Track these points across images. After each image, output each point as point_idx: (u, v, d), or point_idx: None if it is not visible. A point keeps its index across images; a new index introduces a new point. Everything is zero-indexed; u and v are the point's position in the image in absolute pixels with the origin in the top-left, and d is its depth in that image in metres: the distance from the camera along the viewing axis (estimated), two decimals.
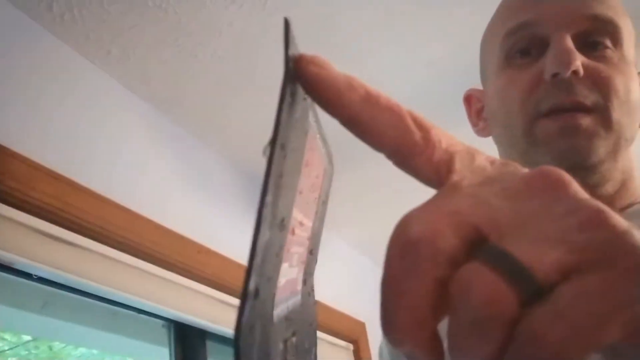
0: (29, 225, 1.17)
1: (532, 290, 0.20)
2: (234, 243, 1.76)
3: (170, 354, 1.60)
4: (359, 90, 0.25)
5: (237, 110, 1.75)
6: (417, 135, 0.25)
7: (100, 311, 1.42)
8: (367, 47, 1.60)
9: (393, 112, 0.25)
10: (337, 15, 1.48)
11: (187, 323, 1.63)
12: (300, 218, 0.27)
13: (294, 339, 0.27)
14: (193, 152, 1.81)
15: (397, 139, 0.25)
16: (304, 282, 0.31)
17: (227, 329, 1.72)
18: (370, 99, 0.25)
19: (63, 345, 1.50)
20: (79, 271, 1.27)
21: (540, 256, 0.20)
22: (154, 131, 1.65)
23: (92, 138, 1.41)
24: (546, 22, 0.66)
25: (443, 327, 0.21)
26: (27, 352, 1.45)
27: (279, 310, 0.24)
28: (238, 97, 1.69)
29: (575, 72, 0.62)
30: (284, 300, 0.25)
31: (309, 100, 0.26)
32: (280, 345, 0.24)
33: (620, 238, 0.20)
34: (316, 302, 0.35)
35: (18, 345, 1.42)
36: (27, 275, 1.22)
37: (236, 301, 1.71)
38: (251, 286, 0.19)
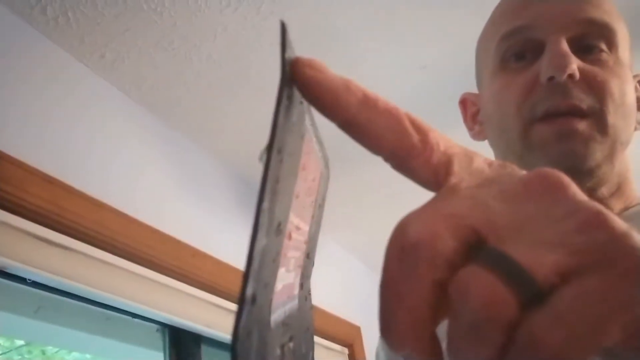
0: (23, 229, 1.17)
1: (532, 293, 0.20)
2: (228, 247, 1.75)
3: (165, 359, 1.60)
4: (356, 93, 0.25)
5: (232, 114, 1.74)
6: (415, 137, 0.25)
7: (94, 315, 1.42)
8: (362, 50, 1.60)
9: (391, 115, 0.25)
10: (332, 19, 1.48)
11: (181, 327, 1.62)
12: (297, 222, 0.27)
13: (291, 344, 0.27)
14: (187, 155, 1.81)
15: (395, 142, 0.25)
16: (301, 286, 0.31)
17: (222, 333, 1.71)
18: (368, 102, 0.25)
19: (56, 349, 1.50)
20: (73, 275, 1.27)
21: (540, 258, 0.20)
22: (148, 135, 1.65)
23: (87, 141, 1.41)
24: (541, 26, 0.66)
25: (442, 329, 0.21)
26: (20, 357, 1.44)
27: (276, 316, 0.24)
28: (232, 100, 1.69)
29: (571, 76, 0.62)
30: (281, 305, 0.25)
31: (305, 103, 0.26)
32: (278, 351, 0.24)
33: (619, 240, 0.20)
34: (313, 306, 0.35)
35: (11, 350, 1.41)
36: (21, 280, 1.22)
37: (231, 305, 1.71)
38: (248, 292, 0.19)
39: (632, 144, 0.68)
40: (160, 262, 1.47)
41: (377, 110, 0.25)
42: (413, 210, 0.23)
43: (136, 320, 1.52)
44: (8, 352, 1.40)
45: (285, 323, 0.26)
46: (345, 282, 2.59)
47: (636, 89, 0.71)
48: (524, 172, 0.25)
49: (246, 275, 0.19)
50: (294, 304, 0.29)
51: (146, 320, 1.55)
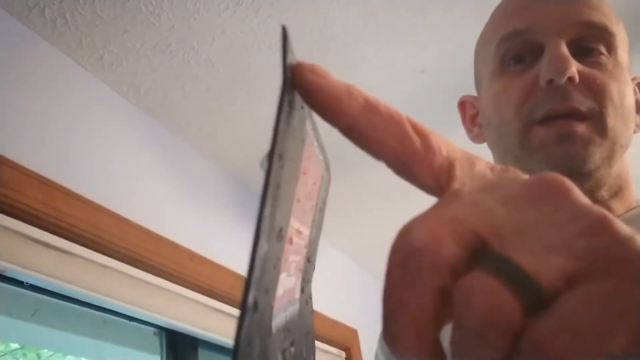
0: (20, 232, 1.16)
1: (536, 298, 0.20)
2: (226, 250, 1.75)
3: None
4: (358, 98, 0.25)
5: (229, 117, 1.74)
6: (417, 142, 0.25)
7: (91, 319, 1.41)
8: (360, 53, 1.60)
9: (392, 120, 0.25)
10: (330, 23, 1.48)
11: (178, 331, 1.62)
12: (298, 226, 0.27)
13: (292, 349, 0.27)
14: (185, 158, 1.80)
15: (396, 147, 0.25)
16: (302, 290, 0.31)
17: (219, 336, 1.71)
18: (370, 107, 0.25)
19: (51, 353, 1.49)
20: (70, 278, 1.27)
21: (544, 264, 0.20)
22: (145, 137, 1.65)
23: (84, 144, 1.40)
24: (541, 28, 0.66)
25: (445, 333, 0.21)
26: None
27: (277, 321, 0.24)
28: (230, 103, 1.69)
29: (570, 79, 0.62)
30: (282, 310, 0.25)
31: (306, 108, 0.26)
32: (279, 356, 0.24)
33: (623, 244, 0.20)
34: (313, 310, 0.35)
35: (6, 354, 1.40)
36: (18, 283, 1.21)
37: (229, 308, 1.71)
38: (250, 300, 0.19)
39: (631, 146, 0.68)
40: (158, 265, 1.47)
41: (378, 115, 0.25)
42: (416, 215, 0.23)
43: (133, 323, 1.52)
44: (3, 355, 1.40)
45: (286, 328, 0.26)
46: (342, 285, 2.59)
47: (635, 92, 0.71)
48: (526, 176, 0.24)
49: (248, 282, 0.19)
50: (294, 308, 0.28)
51: (143, 324, 1.54)
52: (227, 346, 1.77)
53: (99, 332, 1.44)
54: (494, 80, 0.71)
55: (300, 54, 0.24)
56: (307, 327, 0.32)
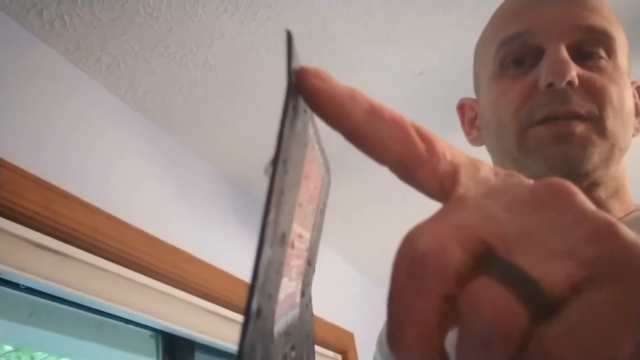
0: (18, 234, 1.16)
1: (542, 305, 0.19)
2: (223, 253, 1.75)
3: None
4: (361, 103, 0.25)
5: (227, 120, 1.74)
6: (421, 147, 0.25)
7: (87, 322, 1.41)
8: (359, 56, 1.60)
9: (396, 124, 0.25)
10: (329, 26, 1.48)
11: (175, 334, 1.62)
12: (299, 231, 0.27)
13: (293, 353, 0.27)
14: (182, 161, 1.80)
15: (400, 151, 0.25)
16: (302, 293, 0.31)
17: (216, 339, 1.71)
18: (374, 111, 0.25)
19: (46, 355, 1.49)
20: (67, 281, 1.26)
21: (550, 270, 0.20)
22: (143, 140, 1.64)
23: (81, 146, 1.40)
24: (541, 32, 0.66)
25: (450, 339, 0.21)
26: None
27: (279, 326, 0.24)
28: (228, 106, 1.69)
29: (570, 83, 0.62)
30: (284, 314, 0.25)
31: (309, 112, 0.26)
32: None
33: (629, 250, 0.20)
34: (313, 313, 0.35)
35: (0, 357, 1.40)
36: (14, 285, 1.21)
37: (225, 312, 1.71)
38: (254, 306, 0.19)
39: (629, 150, 0.68)
40: (155, 268, 1.47)
41: (382, 119, 0.25)
42: (421, 221, 0.23)
43: (129, 326, 1.51)
44: None
45: (287, 332, 0.26)
46: (339, 289, 2.58)
47: (634, 96, 0.71)
48: (531, 181, 0.24)
49: (251, 289, 0.19)
50: (295, 312, 0.28)
51: (139, 327, 1.54)
52: (223, 349, 1.76)
53: (95, 334, 1.44)
54: (493, 83, 0.71)
55: (299, 56, 0.24)
56: (307, 331, 0.32)
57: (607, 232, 0.20)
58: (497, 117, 0.70)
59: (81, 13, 1.31)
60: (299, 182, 0.26)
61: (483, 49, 0.75)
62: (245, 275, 1.76)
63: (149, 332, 1.59)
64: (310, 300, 0.34)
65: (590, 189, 0.65)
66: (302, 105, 0.25)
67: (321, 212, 0.34)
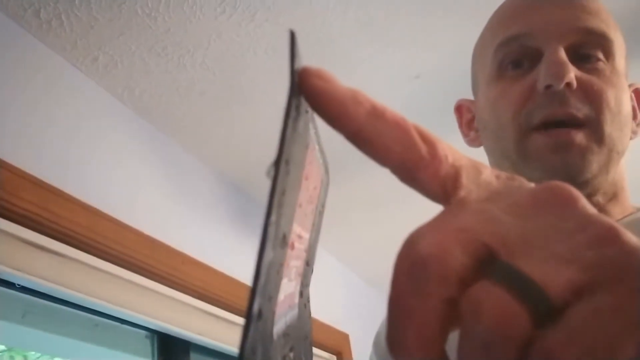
0: (13, 233, 1.16)
1: (544, 309, 0.19)
2: (219, 254, 1.75)
3: None
4: (364, 104, 0.25)
5: (224, 121, 1.74)
6: (423, 149, 0.25)
7: (82, 322, 1.41)
8: (356, 58, 1.60)
9: (399, 126, 0.25)
10: (326, 27, 1.48)
11: (170, 334, 1.61)
12: (299, 231, 0.27)
13: (291, 354, 0.27)
14: (179, 161, 1.80)
15: (402, 153, 0.25)
16: (301, 294, 0.31)
17: (211, 340, 1.70)
18: (376, 113, 0.25)
19: (39, 355, 1.48)
20: (62, 281, 1.26)
21: (552, 274, 0.20)
22: (140, 140, 1.64)
23: (79, 146, 1.40)
24: (539, 34, 0.66)
25: (451, 342, 0.21)
26: None
27: (278, 327, 0.24)
28: (225, 107, 1.69)
29: (568, 85, 0.62)
30: (283, 315, 0.25)
31: (310, 112, 0.26)
32: None
33: (631, 254, 0.20)
34: (311, 314, 0.35)
35: None
36: (9, 285, 1.20)
37: (221, 312, 1.71)
38: (255, 308, 0.19)
39: (627, 153, 0.68)
40: (151, 269, 1.46)
41: (384, 121, 0.25)
42: (422, 224, 0.23)
43: (125, 326, 1.51)
44: None
45: (286, 333, 0.26)
46: (334, 290, 2.58)
47: (631, 98, 0.71)
48: (532, 184, 0.24)
49: (253, 291, 0.19)
50: (294, 313, 0.28)
51: (135, 327, 1.54)
52: (219, 350, 1.76)
53: (90, 335, 1.44)
54: (491, 85, 0.71)
55: (302, 57, 0.24)
56: (306, 331, 0.32)
57: (609, 237, 0.20)
58: (495, 119, 0.70)
59: (79, 13, 1.31)
60: (300, 183, 0.26)
61: (481, 50, 0.75)
62: (243, 276, 1.76)
63: (144, 332, 1.59)
64: (308, 301, 0.34)
65: (589, 196, 0.65)
66: (304, 105, 0.25)
67: (320, 212, 0.34)
